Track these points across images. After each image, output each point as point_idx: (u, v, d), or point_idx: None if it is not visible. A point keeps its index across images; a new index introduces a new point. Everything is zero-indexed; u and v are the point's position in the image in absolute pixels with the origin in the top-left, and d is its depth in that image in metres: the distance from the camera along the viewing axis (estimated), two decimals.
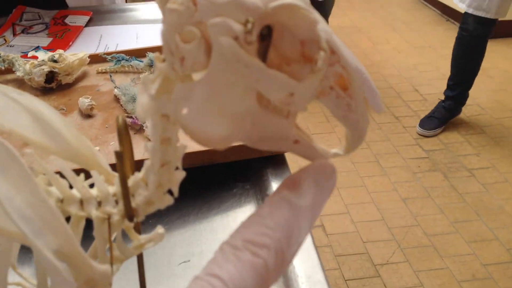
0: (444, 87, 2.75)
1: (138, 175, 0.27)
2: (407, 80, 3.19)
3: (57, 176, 0.27)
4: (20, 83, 0.99)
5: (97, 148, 0.77)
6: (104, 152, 0.76)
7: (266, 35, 0.22)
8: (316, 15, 0.22)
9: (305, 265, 0.58)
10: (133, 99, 0.84)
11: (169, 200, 0.27)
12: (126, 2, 1.82)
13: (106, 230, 0.26)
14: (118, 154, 0.26)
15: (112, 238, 0.28)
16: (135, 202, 0.27)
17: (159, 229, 0.29)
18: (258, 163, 0.74)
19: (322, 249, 2.03)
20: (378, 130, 2.69)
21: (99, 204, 0.27)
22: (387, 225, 2.15)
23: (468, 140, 2.65)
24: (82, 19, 1.38)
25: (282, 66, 0.22)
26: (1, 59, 1.00)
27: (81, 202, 0.27)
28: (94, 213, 0.27)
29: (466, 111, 2.84)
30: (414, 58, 3.50)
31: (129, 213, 0.26)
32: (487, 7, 2.29)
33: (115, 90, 0.90)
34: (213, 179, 0.73)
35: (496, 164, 2.47)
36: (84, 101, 0.86)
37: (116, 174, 0.28)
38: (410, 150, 2.59)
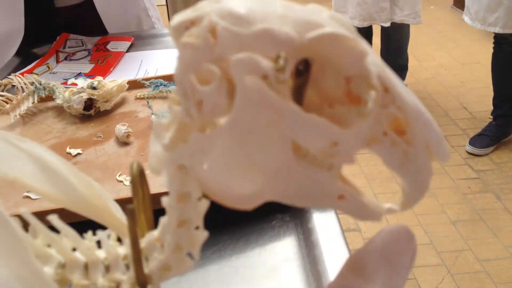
0: None
1: (153, 235, 0.23)
2: (455, 97, 3.08)
3: (58, 236, 0.24)
4: (60, 111, 0.99)
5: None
6: None
7: (303, 71, 0.18)
8: (364, 45, 0.18)
9: None
10: None
11: (189, 266, 0.22)
12: (166, 26, 1.82)
13: None
14: (129, 211, 0.22)
15: None
16: (149, 267, 0.23)
17: None
18: None
19: None
20: None
21: (107, 269, 0.23)
22: (435, 250, 2.05)
23: None
24: (124, 45, 1.38)
25: (323, 108, 0.18)
26: (42, 87, 1.00)
27: (86, 267, 0.24)
28: (100, 281, 0.23)
29: None
30: (462, 75, 3.38)
31: (141, 281, 0.22)
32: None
33: (152, 116, 0.87)
34: (247, 211, 0.69)
35: None
36: (121, 128, 0.84)
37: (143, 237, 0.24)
38: (459, 170, 2.47)
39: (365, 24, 2.60)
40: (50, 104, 1.01)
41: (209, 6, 0.17)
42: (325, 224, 0.64)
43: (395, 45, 2.75)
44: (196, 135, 0.17)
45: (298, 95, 0.18)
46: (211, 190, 0.18)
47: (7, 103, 0.97)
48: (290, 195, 0.19)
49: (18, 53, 1.26)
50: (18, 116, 0.95)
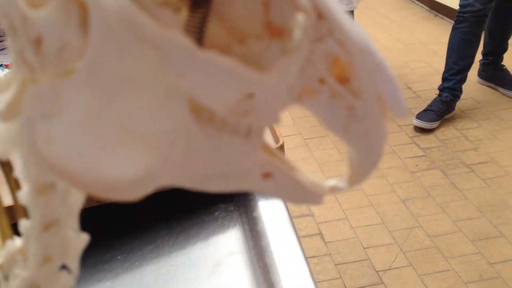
0: (438, 82, 2.67)
1: (14, 245, 0.17)
2: (399, 78, 3.11)
3: None
4: None
5: None
6: None
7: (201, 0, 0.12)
8: None
9: (296, 278, 0.49)
10: None
11: (66, 283, 0.16)
12: None
13: None
14: None
15: None
16: None
17: None
18: None
19: (321, 258, 1.93)
20: None
21: None
22: (387, 229, 2.06)
23: (465, 135, 2.56)
24: None
25: (232, 46, 0.12)
26: None
27: None
28: None
29: (461, 105, 2.75)
30: (405, 55, 3.41)
31: None
32: None
33: None
34: (190, 201, 0.63)
35: (495, 158, 2.39)
36: None
37: None
38: (406, 149, 2.49)
39: None
40: None
41: None
42: (271, 212, 0.59)
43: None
44: (33, 90, 0.11)
45: (197, 31, 0.13)
46: (68, 175, 0.12)
47: None
48: (197, 175, 0.14)
49: None
50: None
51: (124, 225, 0.61)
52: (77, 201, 0.15)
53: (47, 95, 0.11)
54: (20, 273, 0.16)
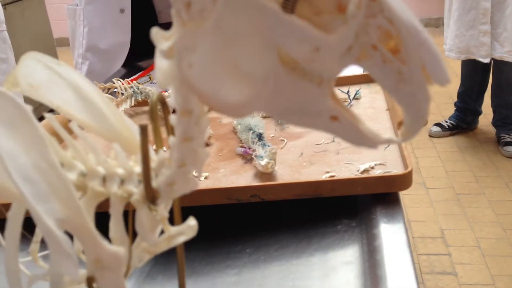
0: None
1: (164, 154, 0.24)
2: None
3: (85, 150, 0.26)
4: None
5: (207, 173, 0.76)
6: (213, 178, 0.75)
7: None
8: None
9: None
10: (248, 129, 0.83)
11: (194, 184, 0.23)
12: None
13: (122, 209, 0.24)
14: (142, 128, 0.23)
15: (142, 226, 0.25)
16: (157, 182, 0.24)
17: (191, 221, 0.26)
18: (368, 200, 0.68)
19: None
20: None
21: (122, 182, 0.25)
22: None
23: None
24: None
25: (311, 17, 0.18)
26: (139, 91, 1.08)
27: (104, 179, 0.25)
28: (114, 190, 0.25)
29: None
30: None
31: (149, 193, 0.24)
32: None
33: (234, 121, 0.90)
34: (317, 212, 0.68)
35: None
36: None
37: (155, 156, 0.25)
38: None
39: (462, 58, 2.47)
40: (146, 108, 1.09)
41: None
42: (391, 231, 0.61)
43: (507, 82, 2.57)
44: (181, 33, 0.19)
45: (292, 5, 0.19)
46: (199, 93, 0.19)
47: None
48: (281, 108, 0.20)
49: (124, 65, 1.37)
50: None
51: (257, 224, 0.69)
52: (205, 124, 0.23)
53: (189, 36, 0.19)
54: (165, 172, 0.23)
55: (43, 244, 0.24)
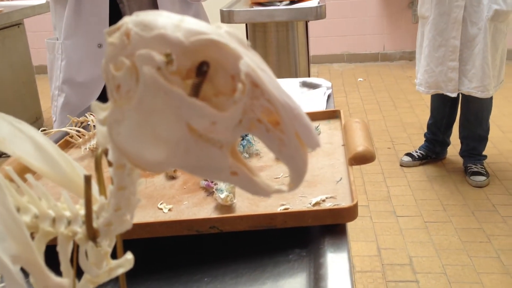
0: None
1: (104, 200, 0.30)
2: None
3: (37, 196, 0.31)
4: None
5: (171, 206, 0.81)
6: (177, 210, 0.80)
7: (204, 71, 0.24)
8: (241, 50, 0.23)
9: None
10: None
11: (127, 224, 0.29)
12: None
13: (69, 246, 0.29)
14: (86, 178, 0.29)
15: (84, 261, 0.30)
16: (97, 223, 0.29)
17: (128, 255, 0.31)
18: (318, 231, 0.73)
19: None
20: (502, 223, 2.47)
21: (69, 223, 0.30)
22: None
23: None
24: None
25: (211, 98, 0.24)
26: None
27: (54, 220, 0.30)
28: (61, 230, 0.30)
29: None
30: None
31: (91, 232, 0.29)
32: None
33: None
34: (271, 243, 0.74)
35: None
36: None
37: (98, 200, 0.31)
38: None
39: (431, 92, 2.58)
40: None
41: (130, 18, 0.24)
42: (336, 260, 0.67)
43: (474, 115, 2.67)
44: (112, 109, 0.24)
45: (197, 89, 0.24)
46: (126, 154, 0.24)
47: (80, 137, 1.10)
48: (191, 165, 0.25)
49: (100, 98, 1.41)
50: (88, 149, 1.07)
51: (216, 254, 0.73)
52: (136, 176, 0.28)
53: (118, 111, 0.24)
54: (104, 215, 0.29)
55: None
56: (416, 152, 2.86)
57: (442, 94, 2.56)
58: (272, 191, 0.26)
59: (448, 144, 2.88)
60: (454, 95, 2.51)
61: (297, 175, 0.25)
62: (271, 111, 0.24)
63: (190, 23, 0.23)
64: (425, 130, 2.92)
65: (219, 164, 0.25)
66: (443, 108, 2.75)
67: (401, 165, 2.90)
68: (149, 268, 0.73)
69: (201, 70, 0.24)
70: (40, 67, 4.34)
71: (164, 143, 0.24)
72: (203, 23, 0.24)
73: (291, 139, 0.24)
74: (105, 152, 0.31)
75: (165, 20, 0.23)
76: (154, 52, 0.23)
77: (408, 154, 2.88)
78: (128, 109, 0.24)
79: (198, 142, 0.25)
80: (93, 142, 1.08)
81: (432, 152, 2.85)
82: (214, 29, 0.24)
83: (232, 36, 0.24)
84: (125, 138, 0.24)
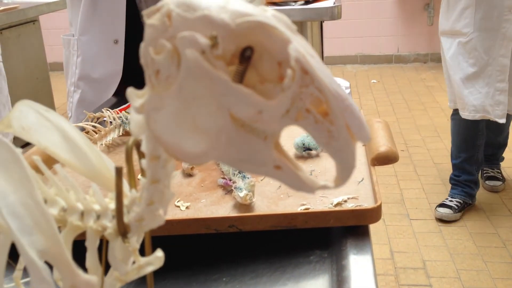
0: None
1: (135, 193, 0.28)
2: None
3: (66, 188, 0.29)
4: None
5: (188, 203, 0.80)
6: (194, 208, 0.79)
7: (248, 57, 0.23)
8: (288, 34, 0.22)
9: None
10: None
11: (160, 220, 0.27)
12: None
13: (97, 241, 0.28)
14: (118, 170, 0.27)
15: (114, 258, 0.28)
16: (128, 218, 0.27)
17: (158, 253, 0.29)
18: (340, 232, 0.71)
19: None
20: None
21: (98, 217, 0.29)
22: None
23: None
24: None
25: (256, 85, 0.22)
26: (128, 121, 1.11)
27: (82, 214, 0.29)
28: (90, 225, 0.28)
29: None
30: None
31: (121, 228, 0.27)
32: None
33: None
34: (291, 243, 0.72)
35: None
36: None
37: (128, 195, 0.29)
38: None
39: (478, 117, 2.23)
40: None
41: None
42: (359, 262, 0.65)
43: (496, 124, 2.48)
44: (150, 95, 0.23)
45: (241, 76, 0.23)
46: (164, 144, 0.23)
47: (96, 133, 1.09)
48: (232, 158, 0.24)
49: (115, 94, 1.41)
50: (103, 145, 1.06)
51: (234, 254, 0.72)
52: (171, 169, 0.26)
53: (157, 97, 0.23)
54: (136, 209, 0.27)
55: (26, 271, 0.27)
56: (451, 201, 2.43)
57: (475, 121, 2.27)
58: (317, 187, 0.24)
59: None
60: (502, 120, 2.19)
61: (345, 170, 0.24)
62: (319, 101, 0.22)
63: (236, 4, 0.22)
64: (439, 133, 2.84)
65: (262, 157, 0.23)
66: (475, 137, 2.38)
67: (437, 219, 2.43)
68: (166, 267, 0.72)
69: (244, 56, 0.23)
70: (54, 64, 4.35)
71: (204, 133, 0.23)
72: (249, 5, 0.22)
73: (341, 131, 0.23)
74: (136, 144, 0.29)
75: (209, 1, 0.22)
76: (198, 34, 0.21)
77: (444, 205, 2.41)
78: (167, 96, 0.22)
79: (241, 132, 0.23)
80: (109, 138, 1.07)
81: (469, 197, 2.44)
82: (261, 12, 0.22)
83: (279, 20, 0.23)
84: (163, 127, 0.23)
